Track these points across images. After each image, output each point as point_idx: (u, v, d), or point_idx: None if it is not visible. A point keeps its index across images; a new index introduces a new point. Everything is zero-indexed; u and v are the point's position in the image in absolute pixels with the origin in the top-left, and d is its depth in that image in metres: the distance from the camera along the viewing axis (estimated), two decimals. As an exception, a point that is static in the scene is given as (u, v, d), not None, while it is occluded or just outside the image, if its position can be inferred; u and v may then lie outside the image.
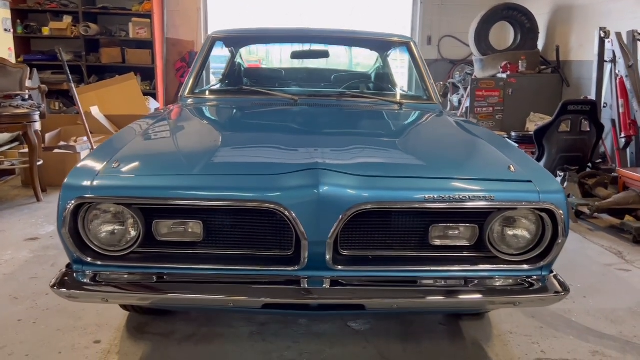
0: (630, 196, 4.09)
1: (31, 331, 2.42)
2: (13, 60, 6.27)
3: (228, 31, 3.64)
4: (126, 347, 2.31)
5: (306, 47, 3.96)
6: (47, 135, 5.54)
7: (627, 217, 4.09)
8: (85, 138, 5.54)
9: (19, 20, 7.64)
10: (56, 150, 5.30)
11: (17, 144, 5.36)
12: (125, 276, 1.79)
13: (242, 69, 4.15)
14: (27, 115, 4.50)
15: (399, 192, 1.76)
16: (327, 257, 1.74)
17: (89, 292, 1.74)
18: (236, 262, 1.81)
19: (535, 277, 1.85)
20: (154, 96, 7.95)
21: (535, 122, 6.58)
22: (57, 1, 7.77)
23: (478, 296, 1.80)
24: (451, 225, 1.83)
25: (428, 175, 1.89)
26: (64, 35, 7.73)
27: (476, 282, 1.82)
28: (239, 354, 2.28)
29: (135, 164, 1.91)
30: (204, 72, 3.37)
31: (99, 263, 1.78)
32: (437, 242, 1.84)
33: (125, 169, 1.83)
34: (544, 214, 1.79)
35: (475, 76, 7.52)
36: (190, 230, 1.80)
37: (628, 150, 5.28)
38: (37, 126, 4.67)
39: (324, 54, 3.82)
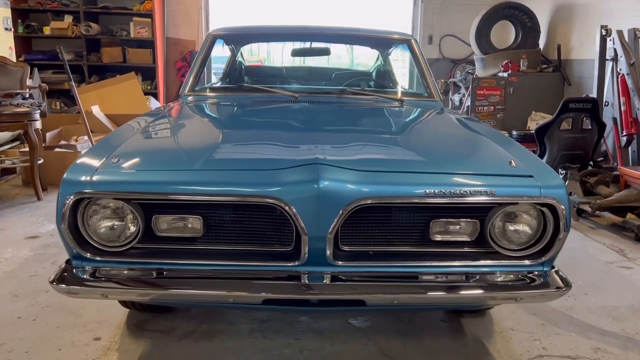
0: (631, 194, 4.07)
1: (31, 328, 2.42)
2: (14, 59, 6.27)
3: (228, 29, 3.64)
4: (126, 344, 2.30)
5: (307, 44, 3.95)
6: (48, 135, 5.54)
7: (629, 215, 4.08)
8: (86, 137, 5.55)
9: (19, 20, 7.64)
10: (57, 149, 5.30)
11: (17, 143, 5.36)
12: (125, 272, 1.79)
13: (243, 67, 4.14)
14: (27, 114, 4.50)
15: (399, 187, 1.75)
16: (328, 252, 1.73)
17: (88, 287, 1.73)
18: (236, 257, 1.80)
19: (536, 273, 1.84)
20: (155, 96, 7.95)
21: (536, 121, 6.56)
22: (58, 1, 7.76)
23: (479, 291, 1.79)
24: (452, 220, 1.82)
25: (429, 170, 1.88)
26: (65, 35, 7.72)
27: (477, 277, 1.81)
28: (239, 351, 2.27)
29: (135, 159, 1.90)
30: (205, 72, 3.37)
31: (99, 259, 1.77)
32: (438, 238, 1.83)
33: (124, 164, 1.82)
34: (545, 209, 1.78)
35: (476, 75, 7.51)
36: (190, 225, 1.79)
37: (629, 148, 5.27)
38: (38, 125, 4.67)
39: (325, 51, 3.82)
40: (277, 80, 3.75)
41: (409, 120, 2.83)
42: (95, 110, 6.14)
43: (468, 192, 1.75)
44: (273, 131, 2.48)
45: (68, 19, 7.81)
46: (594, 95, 5.61)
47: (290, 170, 1.77)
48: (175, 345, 2.31)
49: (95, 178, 1.74)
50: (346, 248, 1.81)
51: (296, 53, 4.05)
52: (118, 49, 7.95)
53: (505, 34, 8.16)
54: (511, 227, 1.82)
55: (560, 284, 1.80)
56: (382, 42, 3.94)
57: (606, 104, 5.56)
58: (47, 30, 7.76)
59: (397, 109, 2.98)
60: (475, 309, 2.56)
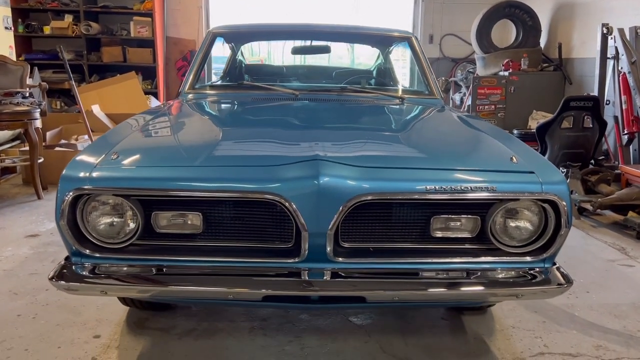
0: (633, 192, 4.07)
1: (31, 326, 2.41)
2: (14, 58, 6.27)
3: (228, 26, 3.63)
4: (126, 342, 2.29)
5: (307, 43, 3.94)
6: (48, 134, 5.54)
7: (630, 213, 4.06)
8: (86, 136, 5.55)
9: (20, 19, 7.64)
10: (57, 149, 5.30)
11: (18, 142, 5.35)
12: (125, 268, 1.78)
13: (243, 65, 4.13)
14: (27, 113, 4.50)
15: (400, 182, 1.74)
16: (328, 249, 1.72)
17: (87, 284, 1.73)
18: (236, 254, 1.79)
19: (537, 269, 1.82)
20: (155, 95, 7.95)
21: (537, 120, 6.55)
22: (58, 0, 7.77)
23: (480, 288, 1.78)
24: (453, 216, 1.81)
25: (429, 166, 1.87)
26: (65, 34, 7.72)
27: (478, 274, 1.80)
28: (239, 349, 2.26)
29: (134, 155, 1.89)
30: (206, 70, 3.36)
31: (98, 255, 1.76)
32: (439, 234, 1.82)
33: (124, 160, 1.81)
34: (546, 205, 1.77)
35: (477, 74, 7.50)
36: (189, 222, 1.78)
37: (631, 146, 5.26)
38: (38, 124, 4.67)
39: (325, 49, 3.80)
40: (277, 79, 3.74)
41: (409, 117, 2.83)
42: (96, 109, 6.14)
43: (469, 188, 1.74)
44: (273, 128, 2.47)
45: (68, 18, 7.82)
46: (595, 94, 5.59)
47: (290, 167, 1.76)
48: (175, 342, 2.30)
49: (94, 174, 1.73)
50: (346, 244, 1.80)
51: (296, 51, 4.05)
52: (118, 48, 7.95)
53: (506, 32, 8.15)
54: (512, 224, 1.81)
55: (562, 280, 1.79)
56: (382, 40, 3.92)
57: (607, 102, 5.55)
58: (47, 30, 7.76)
59: (397, 106, 2.97)
60: (476, 306, 2.55)
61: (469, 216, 1.81)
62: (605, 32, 5.44)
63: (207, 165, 1.84)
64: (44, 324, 2.43)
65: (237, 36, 3.87)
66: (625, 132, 5.21)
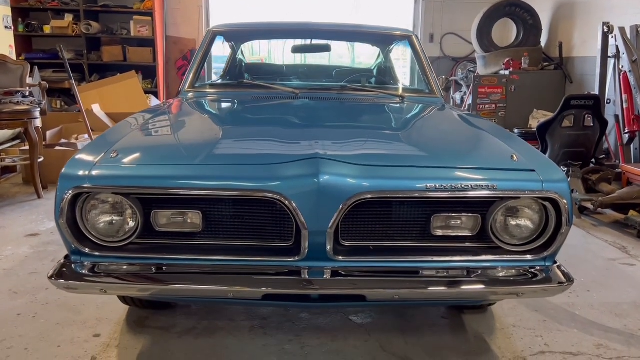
0: (634, 191, 4.06)
1: (30, 325, 2.41)
2: (14, 57, 6.27)
3: (228, 25, 3.62)
4: (126, 341, 2.29)
5: (307, 42, 3.93)
6: (49, 133, 5.54)
7: (631, 212, 4.06)
8: (86, 136, 5.54)
9: (20, 19, 7.64)
10: (57, 148, 5.30)
11: (18, 141, 5.35)
12: (124, 267, 1.77)
13: (243, 64, 4.13)
14: (27, 112, 4.49)
15: (400, 181, 1.74)
16: (328, 247, 1.72)
17: (87, 283, 1.72)
18: (236, 252, 1.79)
19: (538, 268, 1.82)
20: (156, 94, 7.95)
21: (538, 119, 6.54)
22: (58, -1, 7.78)
23: (480, 287, 1.77)
24: (453, 215, 1.80)
25: (430, 164, 1.87)
26: (65, 34, 7.72)
27: (479, 272, 1.79)
28: (239, 348, 2.26)
29: (134, 154, 1.89)
30: (206, 70, 3.35)
31: (97, 254, 1.76)
32: (439, 232, 1.81)
33: (123, 158, 1.81)
34: (547, 203, 1.76)
35: (477, 73, 7.50)
36: (189, 220, 1.78)
37: (632, 145, 5.25)
38: (38, 123, 4.66)
39: (326, 48, 3.80)
40: (277, 77, 3.73)
41: (409, 116, 2.82)
42: (96, 108, 6.13)
43: (469, 186, 1.73)
44: (273, 127, 2.47)
45: (68, 17, 7.81)
46: (596, 92, 5.58)
47: (290, 165, 1.75)
48: (175, 341, 2.30)
49: (94, 173, 1.73)
50: (346, 243, 1.79)
51: (297, 50, 4.04)
52: (118, 47, 7.95)
53: (506, 31, 8.14)
54: (513, 222, 1.80)
55: (563, 279, 1.79)
56: (383, 39, 3.92)
57: (608, 101, 5.54)
58: (47, 29, 7.76)
59: (398, 105, 2.96)
60: (477, 305, 2.54)
61: (470, 214, 1.80)
62: (606, 30, 5.43)
63: (206, 164, 1.84)
64: (44, 323, 2.43)
65: (237, 35, 3.87)
66: (626, 131, 5.20)
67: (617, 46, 5.33)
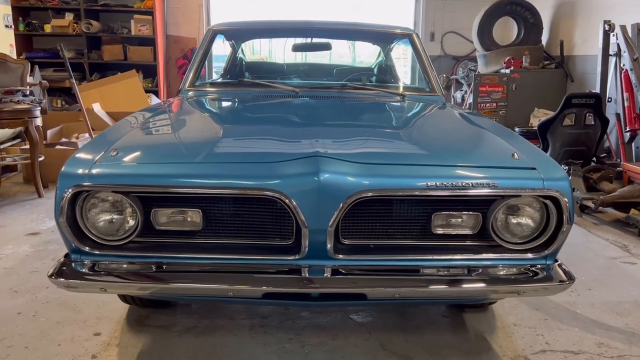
0: (635, 190, 4.05)
1: (31, 324, 2.40)
2: (14, 56, 6.27)
3: (229, 24, 3.61)
4: (126, 339, 2.29)
5: (308, 40, 3.92)
6: (49, 132, 5.54)
7: (632, 211, 4.04)
8: (87, 135, 5.54)
9: (20, 18, 7.64)
10: (58, 147, 5.30)
11: (18, 140, 5.36)
12: (124, 266, 1.77)
13: (243, 63, 4.12)
14: (28, 111, 4.49)
15: (400, 179, 1.73)
16: (328, 245, 1.71)
17: (87, 281, 1.72)
18: (236, 251, 1.78)
19: (539, 266, 1.81)
20: (156, 93, 7.94)
21: (539, 117, 6.53)
22: (58, -2, 7.78)
23: (481, 285, 1.76)
24: (454, 213, 1.79)
25: (430, 162, 1.86)
26: (66, 33, 7.72)
27: (479, 271, 1.79)
28: (239, 346, 2.25)
29: (134, 152, 1.88)
30: (206, 68, 3.34)
31: (97, 252, 1.76)
32: (440, 231, 1.81)
33: (123, 157, 1.81)
34: (548, 202, 1.76)
35: (478, 72, 7.48)
36: (189, 219, 1.77)
37: (633, 144, 5.24)
38: (38, 122, 4.66)
39: (326, 46, 3.79)
40: (277, 76, 3.73)
41: (410, 114, 2.81)
42: (96, 107, 6.13)
43: (470, 184, 1.73)
44: (273, 126, 2.46)
45: (69, 16, 7.80)
46: (597, 91, 5.57)
47: (290, 163, 1.75)
48: (175, 340, 2.30)
49: (93, 171, 1.72)
50: (347, 241, 1.79)
51: (297, 48, 4.03)
52: (119, 46, 7.95)
53: (507, 30, 8.13)
54: (514, 220, 1.80)
55: (564, 277, 1.78)
56: (383, 37, 3.91)
57: (609, 100, 5.53)
58: (48, 28, 7.76)
59: (398, 103, 2.96)
60: (477, 304, 2.54)
61: (470, 213, 1.80)
62: (607, 29, 5.42)
63: (206, 162, 1.83)
64: (44, 321, 2.43)
65: (238, 33, 3.86)
66: (628, 129, 5.19)
67: (618, 44, 5.32)
